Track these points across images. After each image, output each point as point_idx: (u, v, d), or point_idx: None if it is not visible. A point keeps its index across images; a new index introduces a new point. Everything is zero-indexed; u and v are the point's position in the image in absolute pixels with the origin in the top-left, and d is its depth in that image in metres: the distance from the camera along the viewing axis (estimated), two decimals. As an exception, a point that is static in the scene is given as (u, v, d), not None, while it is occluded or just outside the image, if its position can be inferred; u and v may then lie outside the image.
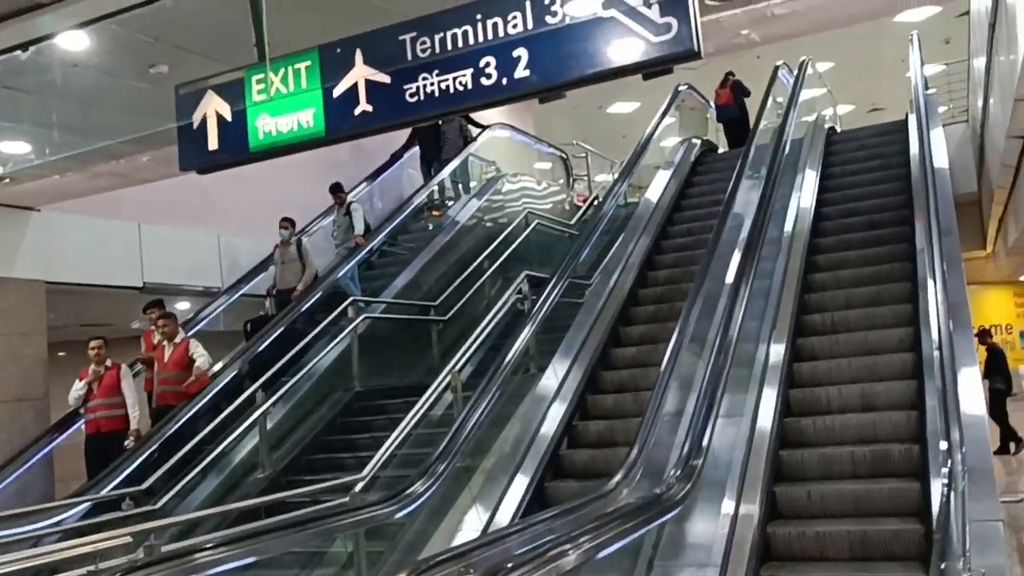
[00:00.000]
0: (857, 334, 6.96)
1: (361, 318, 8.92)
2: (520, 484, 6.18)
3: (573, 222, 12.86)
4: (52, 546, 4.64)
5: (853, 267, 8.00)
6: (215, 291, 10.44)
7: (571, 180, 15.58)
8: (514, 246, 11.06)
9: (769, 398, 6.15)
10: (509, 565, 3.02)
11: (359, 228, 10.84)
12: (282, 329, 9.14)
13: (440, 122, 12.86)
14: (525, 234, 11.53)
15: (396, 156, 13.23)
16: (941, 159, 8.45)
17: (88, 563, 4.00)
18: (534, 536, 3.75)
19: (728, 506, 5.13)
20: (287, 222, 10.21)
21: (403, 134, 13.05)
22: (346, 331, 8.73)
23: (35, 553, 4.39)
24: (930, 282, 6.25)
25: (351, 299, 9.17)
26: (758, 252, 7.07)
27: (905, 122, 10.82)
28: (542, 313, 7.84)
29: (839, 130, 12.97)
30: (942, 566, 3.27)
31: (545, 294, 8.08)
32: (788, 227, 8.56)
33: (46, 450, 8.07)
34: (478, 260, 10.78)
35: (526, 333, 7.53)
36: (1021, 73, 5.89)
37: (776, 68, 11.38)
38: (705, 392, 5.50)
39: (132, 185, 8.30)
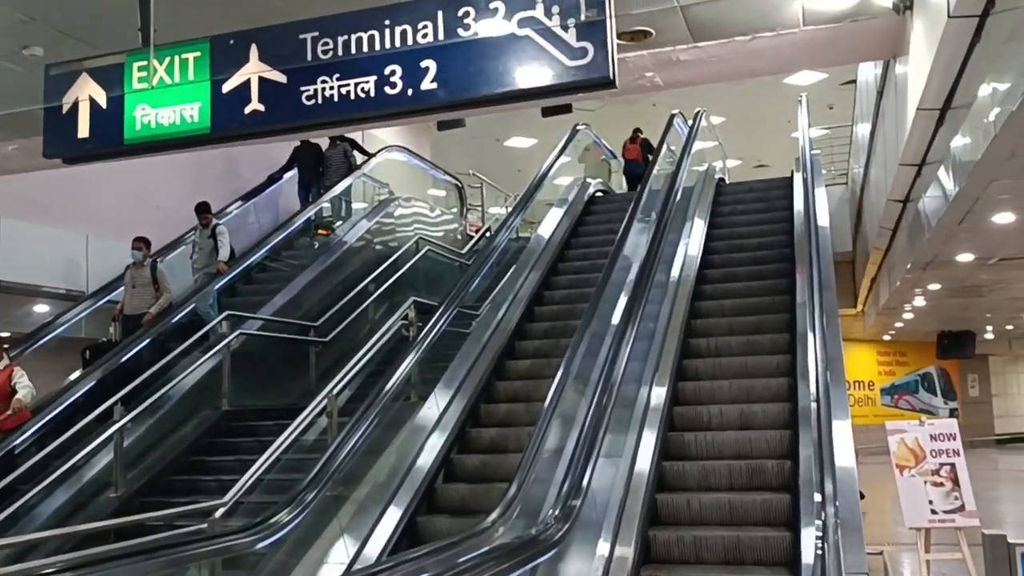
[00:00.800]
0: (737, 367, 7.19)
1: (235, 333, 8.52)
2: (392, 517, 5.94)
3: (464, 251, 12.76)
4: None
5: (736, 313, 8.17)
6: (78, 295, 9.78)
7: (465, 209, 15.50)
8: (402, 271, 10.88)
9: (648, 440, 6.14)
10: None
11: (223, 253, 10.10)
12: (126, 357, 8.56)
13: (324, 146, 12.54)
14: (415, 259, 11.35)
15: (273, 178, 12.52)
16: (824, 217, 8.75)
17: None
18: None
19: (603, 547, 5.06)
20: (140, 242, 9.38)
21: (282, 156, 12.51)
22: (218, 346, 8.30)
23: None
24: (810, 334, 6.41)
25: (226, 313, 8.74)
26: (646, 294, 7.09)
27: (790, 179, 11.22)
28: (428, 340, 7.64)
29: (728, 181, 13.36)
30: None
31: (432, 321, 7.90)
32: (675, 272, 8.69)
33: None
34: (364, 283, 10.54)
35: (410, 360, 7.32)
36: (907, 139, 6.14)
37: (672, 116, 11.64)
38: (587, 432, 5.42)
39: (-5, 175, 7.71)
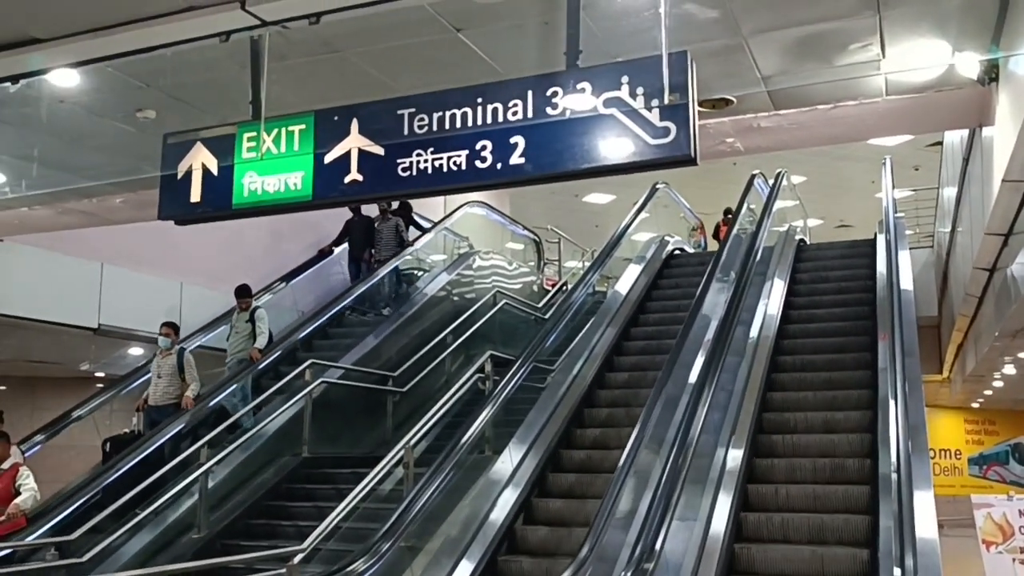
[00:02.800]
0: (815, 443, 7.00)
1: (317, 382, 8.75)
2: (464, 571, 6.01)
3: (541, 305, 12.87)
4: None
5: (815, 382, 8.02)
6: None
7: (542, 264, 15.67)
8: (480, 323, 11.02)
9: (724, 504, 6.07)
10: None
11: (261, 340, 9.57)
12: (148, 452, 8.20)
13: (378, 220, 12.27)
14: (492, 312, 11.50)
15: (324, 252, 12.39)
16: (907, 281, 8.61)
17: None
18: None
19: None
20: (168, 328, 8.96)
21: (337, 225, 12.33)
22: (301, 394, 8.54)
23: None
24: (891, 402, 6.30)
25: (309, 362, 9.00)
26: (724, 353, 7.07)
27: (873, 241, 11.07)
28: (503, 396, 7.74)
29: (809, 242, 13.23)
30: None
31: (509, 376, 8.00)
32: (754, 332, 8.62)
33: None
34: (442, 335, 10.72)
35: (486, 414, 7.41)
36: (993, 209, 6.06)
37: (753, 176, 11.63)
38: (661, 494, 5.42)
39: (99, 225, 8.17)
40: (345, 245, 12.44)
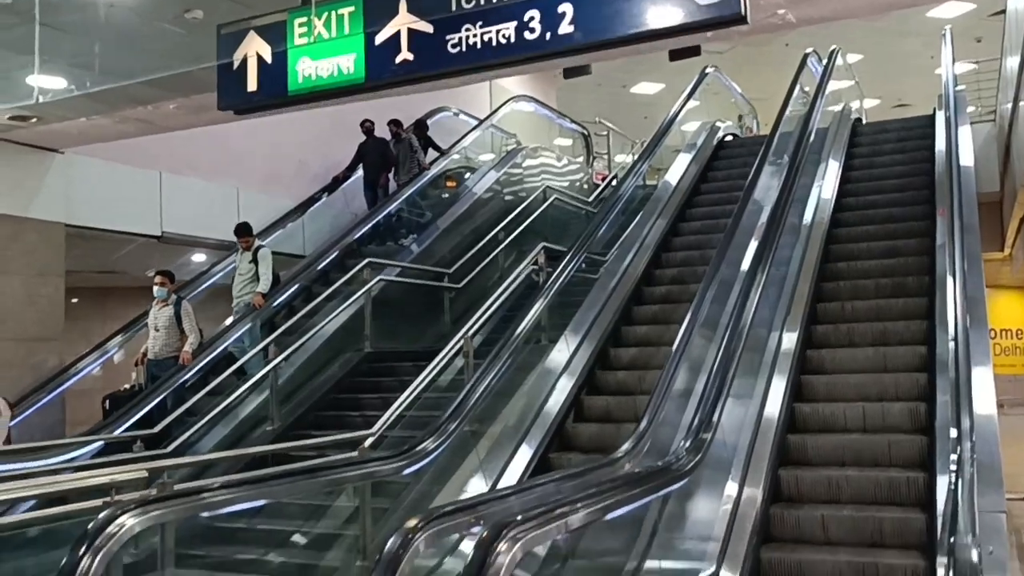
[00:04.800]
0: (871, 310, 7.04)
1: (375, 280, 8.96)
2: (525, 452, 6.23)
3: (591, 199, 12.86)
4: (69, 475, 4.70)
5: (872, 258, 7.97)
6: (231, 244, 10.48)
7: (591, 158, 15.56)
8: (531, 220, 11.08)
9: (779, 385, 6.15)
10: (518, 518, 3.05)
11: (264, 282, 8.98)
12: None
13: (391, 143, 11.87)
14: (542, 208, 11.54)
15: (338, 180, 11.85)
16: (967, 156, 8.40)
17: (102, 496, 4.05)
18: (542, 495, 3.79)
19: (732, 485, 5.16)
20: (164, 277, 8.45)
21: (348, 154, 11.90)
22: (360, 292, 8.77)
23: (51, 481, 4.45)
24: (949, 277, 6.25)
25: (367, 260, 9.19)
26: (777, 238, 7.05)
27: (931, 118, 10.76)
28: (557, 285, 7.85)
29: (865, 122, 12.89)
30: (951, 540, 3.30)
31: (562, 266, 8.10)
32: (808, 216, 8.54)
33: (59, 391, 8.17)
34: (494, 231, 10.82)
35: (540, 303, 7.55)
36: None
37: (805, 55, 11.28)
38: (717, 371, 5.52)
39: (156, 132, 8.32)
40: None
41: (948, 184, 7.61)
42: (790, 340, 6.67)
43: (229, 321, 9.09)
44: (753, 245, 7.06)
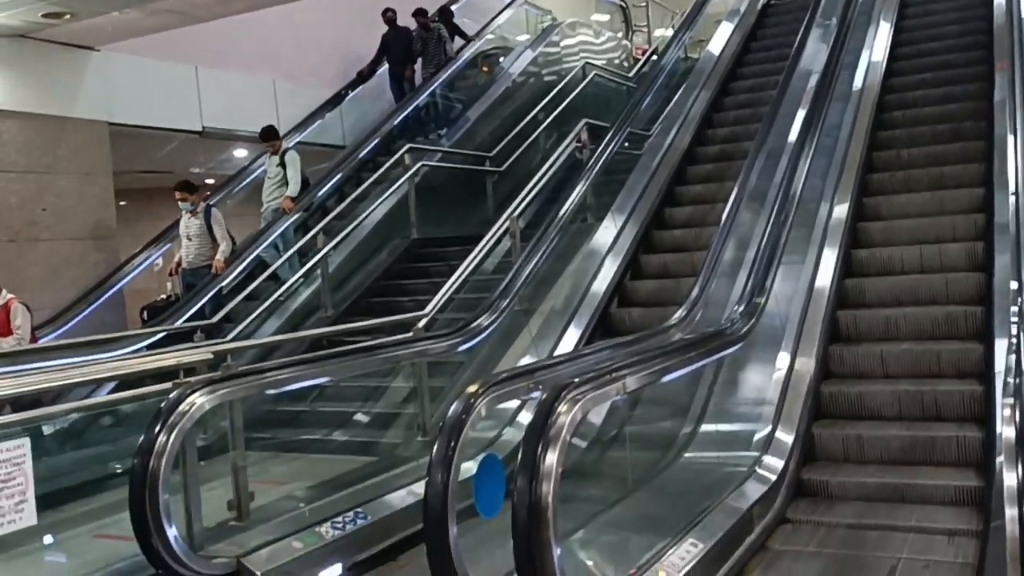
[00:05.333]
0: (926, 178, 6.84)
1: (418, 165, 8.94)
2: (576, 328, 6.30)
3: (631, 75, 12.56)
4: (140, 358, 4.88)
5: (928, 105, 7.75)
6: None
7: (630, 32, 15.10)
8: (570, 99, 10.87)
9: (830, 256, 6.03)
10: (575, 380, 3.09)
11: (292, 185, 8.80)
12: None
13: (417, 34, 11.39)
14: (582, 86, 11.30)
15: (363, 75, 11.45)
16: (1029, 5, 7.98)
17: (170, 379, 4.18)
18: (598, 360, 3.83)
19: (786, 351, 5.16)
20: (184, 192, 8.30)
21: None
22: (403, 177, 8.77)
23: (123, 365, 4.62)
24: (1009, 137, 6.05)
25: (407, 146, 9.14)
26: (827, 104, 6.85)
27: (991, -31, 10.18)
28: (601, 162, 7.76)
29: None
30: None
31: (605, 142, 7.99)
32: (858, 81, 8.24)
33: (117, 287, 8.38)
34: (533, 112, 10.66)
35: (585, 180, 7.49)
36: None
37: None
38: (767, 241, 5.48)
39: (189, 23, 8.22)
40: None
41: (1008, 36, 7.28)
42: (845, 191, 6.54)
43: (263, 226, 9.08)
44: (801, 113, 6.89)
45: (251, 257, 8.49)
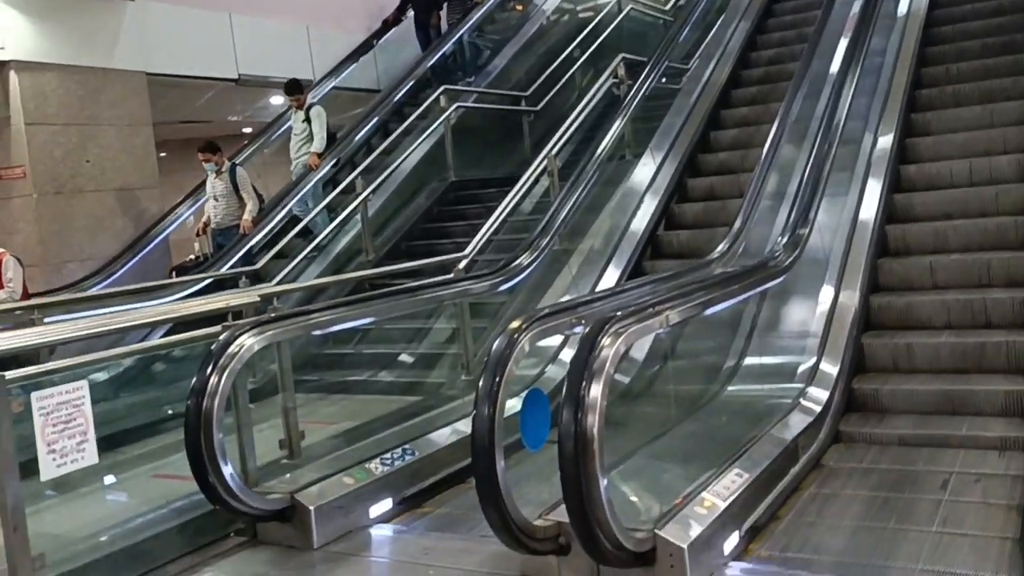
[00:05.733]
0: (979, 83, 6.76)
1: (453, 107, 8.88)
2: (617, 264, 6.30)
3: (667, 8, 12.26)
4: (187, 301, 4.98)
5: (979, 19, 7.59)
6: (306, 83, 10.46)
7: (666, -36, 14.68)
8: (606, 34, 10.67)
9: (878, 172, 5.92)
10: (618, 314, 3.10)
11: (317, 141, 8.65)
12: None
13: None
14: (618, 20, 11.07)
15: (388, 23, 11.22)
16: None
17: (218, 323, 4.25)
18: (640, 295, 3.83)
19: (830, 283, 5.11)
20: (207, 153, 8.18)
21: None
22: (439, 119, 8.72)
23: (174, 309, 4.72)
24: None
25: (443, 88, 9.07)
26: (873, 22, 6.66)
27: None
28: (640, 96, 7.65)
29: None
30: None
31: (643, 75, 7.86)
32: (903, 6, 7.97)
33: (161, 237, 8.51)
34: (568, 50, 10.48)
35: (624, 115, 7.39)
36: None
37: None
38: (811, 171, 5.38)
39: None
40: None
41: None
42: (893, 108, 6.42)
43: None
44: (844, 43, 6.69)
45: (281, 214, 8.34)
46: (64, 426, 3.08)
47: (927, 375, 4.68)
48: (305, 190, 8.56)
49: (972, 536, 3.28)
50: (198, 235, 8.58)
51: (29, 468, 3.05)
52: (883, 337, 4.93)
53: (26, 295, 6.67)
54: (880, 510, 3.60)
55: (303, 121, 8.79)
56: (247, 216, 8.14)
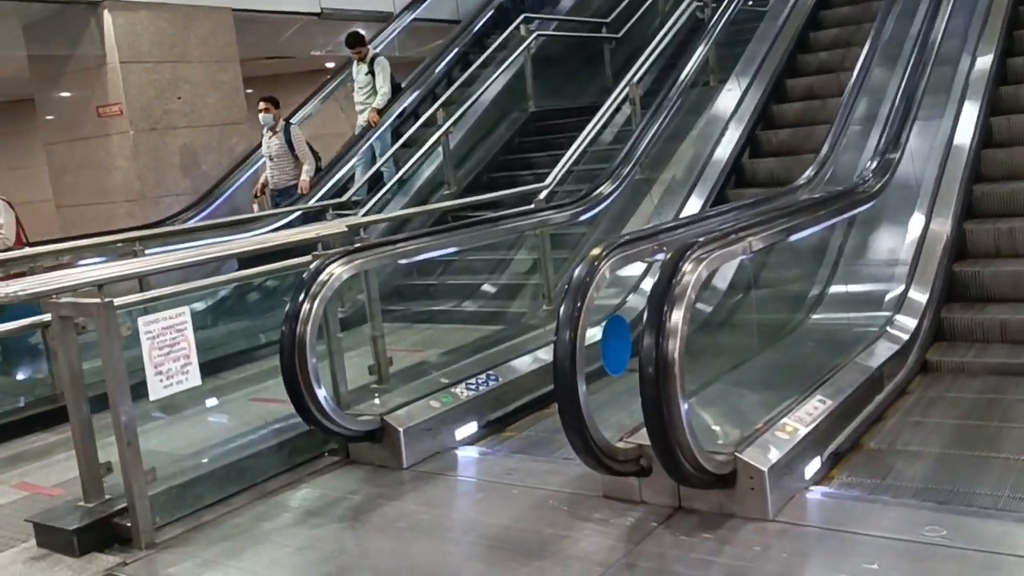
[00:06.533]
0: None
1: (533, 35, 8.79)
2: (701, 192, 6.23)
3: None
4: (278, 233, 5.15)
5: None
6: (388, 16, 10.47)
7: None
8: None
9: (971, 109, 5.66)
10: (700, 240, 3.09)
11: (381, 96, 8.44)
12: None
13: None
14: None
15: None
16: None
17: (309, 251, 4.39)
18: (723, 221, 3.80)
19: (921, 209, 4.97)
20: (267, 103, 7.98)
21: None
22: (519, 50, 8.65)
23: (269, 238, 4.89)
24: None
25: (523, 16, 8.97)
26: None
27: None
28: (724, 19, 7.43)
29: None
30: None
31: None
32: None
33: (251, 171, 8.74)
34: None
35: (707, 41, 7.21)
36: None
37: None
38: (903, 94, 5.20)
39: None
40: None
41: None
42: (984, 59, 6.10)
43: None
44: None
45: (340, 173, 8.26)
46: (169, 349, 3.26)
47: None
48: (371, 141, 8.43)
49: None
50: (256, 197, 8.37)
51: (139, 391, 3.26)
52: (985, 223, 5.01)
53: (20, 242, 6.37)
54: (966, 438, 3.56)
55: (366, 74, 8.61)
56: (304, 176, 7.98)
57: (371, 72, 8.59)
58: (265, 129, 8.08)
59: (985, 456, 3.38)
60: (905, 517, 2.86)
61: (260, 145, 8.40)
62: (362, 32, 8.84)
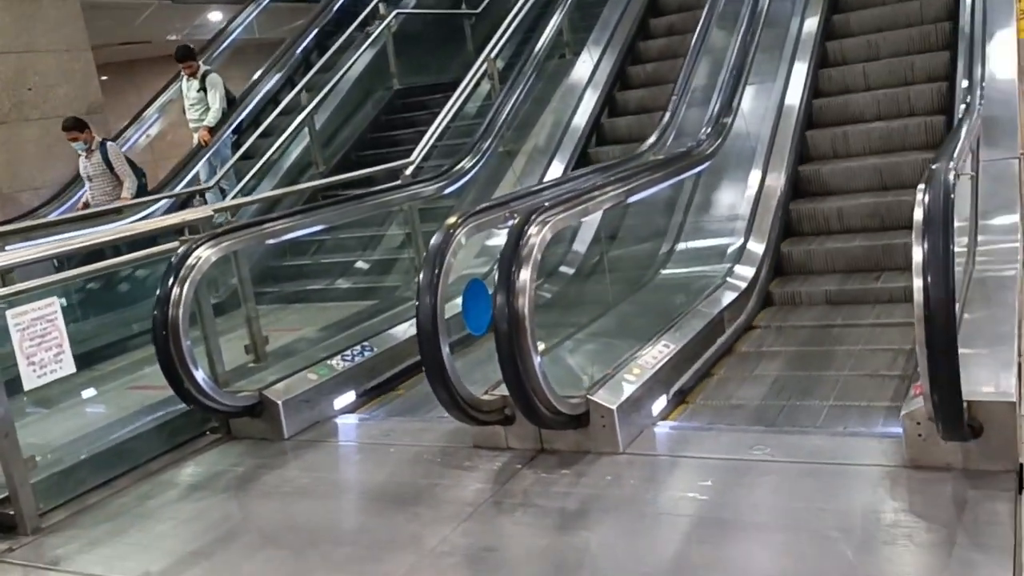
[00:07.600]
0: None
1: (393, 13, 8.89)
2: (562, 157, 6.53)
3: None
4: (145, 221, 5.15)
5: None
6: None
7: None
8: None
9: (800, 70, 6.16)
10: (546, 204, 3.37)
11: (212, 113, 8.25)
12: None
13: None
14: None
15: None
16: None
17: (174, 239, 4.45)
18: (572, 187, 4.09)
19: (757, 170, 5.40)
20: (75, 132, 7.38)
21: None
22: (380, 28, 8.75)
23: (133, 227, 4.90)
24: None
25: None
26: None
27: None
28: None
29: None
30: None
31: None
32: None
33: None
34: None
35: (562, 9, 7.51)
36: None
37: None
38: (735, 61, 5.63)
39: None
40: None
41: None
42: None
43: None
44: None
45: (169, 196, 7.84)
46: (40, 340, 3.32)
47: (859, 158, 5.53)
48: (207, 157, 8.24)
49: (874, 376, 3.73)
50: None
51: (13, 387, 3.30)
52: (824, 130, 5.77)
53: None
54: (800, 362, 4.01)
55: (198, 90, 8.35)
56: (125, 194, 7.46)
57: (203, 88, 8.35)
58: (78, 151, 7.58)
59: (816, 375, 3.88)
60: (737, 440, 3.24)
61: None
62: (191, 46, 8.59)
